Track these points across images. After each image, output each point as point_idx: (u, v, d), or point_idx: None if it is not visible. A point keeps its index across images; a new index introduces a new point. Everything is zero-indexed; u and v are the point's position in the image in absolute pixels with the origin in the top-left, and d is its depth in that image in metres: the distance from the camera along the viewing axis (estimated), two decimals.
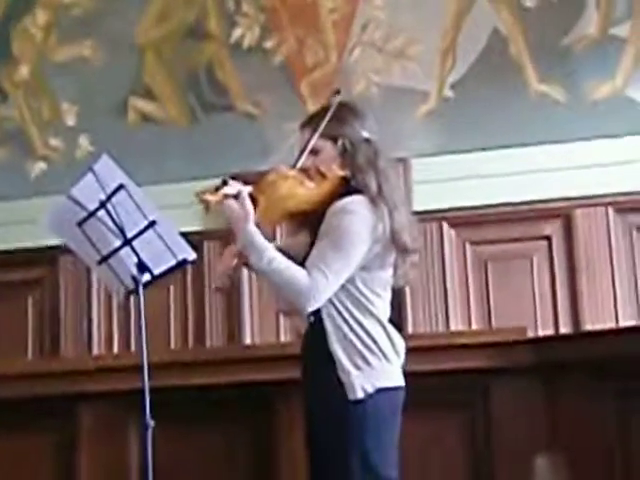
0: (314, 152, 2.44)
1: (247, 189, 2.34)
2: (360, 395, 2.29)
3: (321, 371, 2.34)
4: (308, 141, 2.44)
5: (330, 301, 2.34)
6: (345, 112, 2.47)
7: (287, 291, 2.30)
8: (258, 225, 2.33)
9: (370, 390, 2.30)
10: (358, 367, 2.31)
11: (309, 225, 2.43)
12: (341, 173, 2.40)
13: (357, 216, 2.32)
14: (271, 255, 2.30)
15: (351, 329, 2.34)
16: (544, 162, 4.13)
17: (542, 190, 4.14)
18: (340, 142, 2.42)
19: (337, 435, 2.31)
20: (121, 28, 4.60)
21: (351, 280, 2.34)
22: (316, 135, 2.42)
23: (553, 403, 2.86)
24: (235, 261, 2.37)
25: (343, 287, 2.34)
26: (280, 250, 2.36)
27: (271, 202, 2.35)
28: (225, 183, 2.33)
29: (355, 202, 2.34)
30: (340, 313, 2.34)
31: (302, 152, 2.44)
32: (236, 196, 2.32)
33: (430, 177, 4.14)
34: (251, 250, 2.30)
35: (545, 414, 2.85)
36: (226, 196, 2.32)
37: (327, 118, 2.42)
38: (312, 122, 2.46)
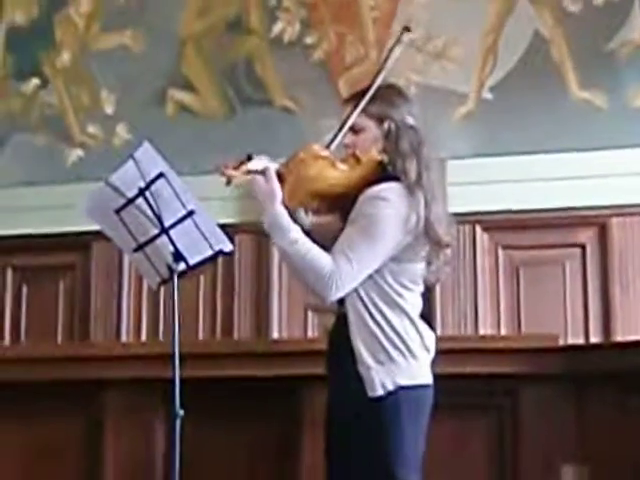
0: (357, 130, 2.34)
1: (274, 166, 2.27)
2: (379, 392, 2.21)
3: (342, 365, 2.28)
4: (348, 117, 2.32)
5: (356, 292, 2.25)
6: (394, 94, 2.38)
7: (308, 275, 2.21)
8: (284, 204, 2.25)
9: (390, 387, 2.22)
10: (380, 362, 2.22)
11: (340, 209, 2.33)
12: (378, 158, 2.30)
13: (390, 204, 2.22)
14: (294, 237, 2.21)
15: (375, 322, 2.25)
16: (582, 169, 4.09)
17: (578, 197, 4.10)
18: (386, 124, 2.32)
19: (355, 434, 2.24)
20: (162, 19, 4.61)
21: (379, 271, 2.25)
22: (357, 111, 2.30)
23: (582, 412, 2.83)
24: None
25: (370, 278, 2.25)
26: (308, 232, 2.27)
27: (298, 182, 2.25)
28: (250, 158, 2.25)
29: (390, 189, 2.24)
30: (365, 305, 2.25)
31: (341, 128, 2.32)
32: (263, 172, 2.24)
33: (465, 179, 4.10)
34: (274, 229, 2.23)
35: (573, 423, 2.83)
36: (250, 172, 2.24)
37: (373, 89, 2.27)
38: (356, 98, 2.35)
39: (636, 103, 4.14)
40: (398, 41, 2.35)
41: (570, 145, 4.13)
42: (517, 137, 4.18)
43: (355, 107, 2.33)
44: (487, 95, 4.29)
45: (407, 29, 2.39)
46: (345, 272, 2.20)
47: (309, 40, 4.48)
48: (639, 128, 4.09)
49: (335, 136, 2.34)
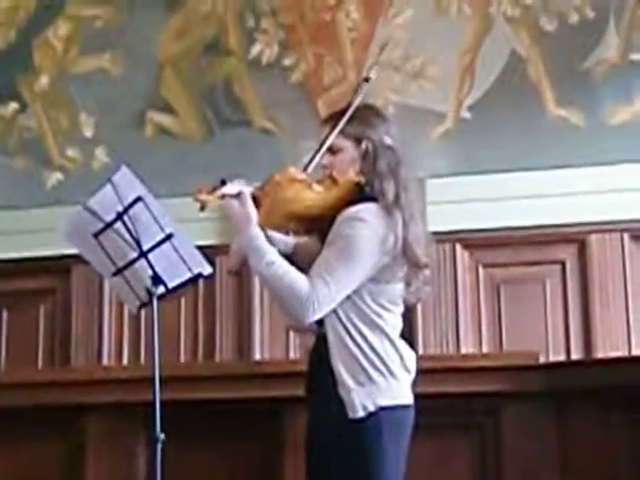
0: (334, 151, 2.34)
1: (249, 189, 2.26)
2: (360, 413, 2.20)
3: (322, 386, 2.26)
4: (325, 139, 2.33)
5: (335, 313, 2.24)
6: (371, 115, 2.38)
7: (285, 298, 2.21)
8: (261, 227, 2.25)
9: (371, 408, 2.20)
10: (360, 383, 2.21)
11: (318, 231, 2.33)
12: (355, 179, 2.30)
13: (367, 224, 2.22)
14: (271, 259, 2.21)
15: (355, 343, 2.24)
16: (560, 186, 4.12)
17: (557, 214, 4.12)
18: (364, 144, 2.32)
19: (336, 456, 2.22)
20: (141, 42, 4.62)
21: (358, 292, 2.25)
22: (333, 134, 2.31)
23: (563, 429, 2.84)
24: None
25: (349, 299, 2.24)
26: (286, 255, 2.27)
27: (275, 204, 2.26)
28: (224, 183, 2.24)
29: (367, 210, 2.24)
30: (344, 326, 2.25)
31: (318, 149, 2.33)
32: (237, 195, 2.24)
33: (445, 198, 4.13)
34: (251, 252, 2.22)
35: (555, 440, 2.84)
36: (225, 196, 2.23)
37: (350, 111, 2.28)
38: (334, 119, 2.36)
39: (612, 121, 4.18)
40: (359, 92, 2.36)
41: (548, 163, 4.16)
42: (495, 155, 4.21)
43: (332, 129, 2.34)
44: (465, 114, 4.32)
45: (366, 80, 2.39)
46: (322, 294, 2.20)
47: (287, 61, 4.50)
48: (616, 145, 4.13)
49: (313, 157, 2.34)
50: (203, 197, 2.24)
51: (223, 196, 2.25)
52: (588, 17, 4.27)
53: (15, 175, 4.64)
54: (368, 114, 2.39)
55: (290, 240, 2.42)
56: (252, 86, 4.52)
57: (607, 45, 4.23)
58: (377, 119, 2.39)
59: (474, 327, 4.15)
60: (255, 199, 2.27)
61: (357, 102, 2.37)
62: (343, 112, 2.37)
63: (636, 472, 2.76)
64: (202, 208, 2.25)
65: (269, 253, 2.23)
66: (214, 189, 2.25)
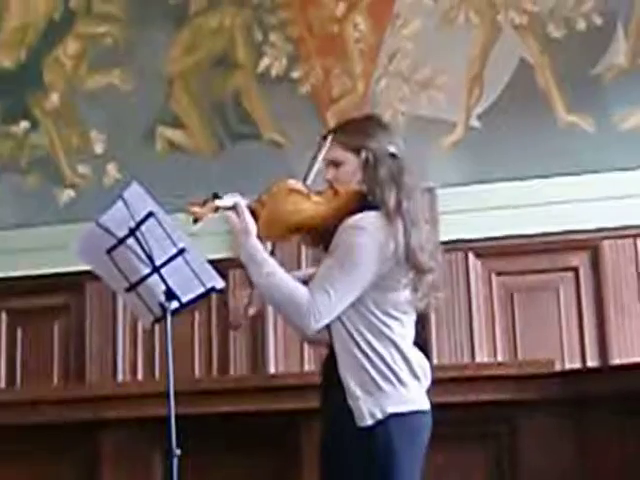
0: (337, 164, 2.36)
1: (245, 201, 2.26)
2: (369, 421, 2.19)
3: (332, 397, 2.26)
4: (317, 153, 2.37)
5: (341, 323, 2.24)
6: (370, 125, 2.40)
7: (286, 308, 2.21)
8: (260, 239, 2.25)
9: (379, 416, 2.19)
10: (368, 392, 2.21)
11: (323, 242, 2.33)
12: (355, 188, 2.31)
13: (366, 232, 2.22)
14: (270, 270, 2.21)
15: (362, 352, 2.23)
16: (572, 193, 4.11)
17: (569, 221, 4.11)
18: (363, 154, 2.33)
19: (348, 465, 2.22)
20: (150, 58, 4.65)
21: (362, 300, 2.24)
22: (323, 151, 2.35)
23: (581, 436, 2.82)
24: (246, 300, 2.33)
25: (354, 308, 2.24)
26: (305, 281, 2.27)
27: (273, 216, 2.26)
28: (216, 196, 2.25)
29: (366, 218, 2.25)
30: (351, 335, 2.24)
31: (312, 165, 2.36)
32: (233, 208, 2.24)
33: (456, 207, 4.12)
34: (250, 264, 2.22)
35: (572, 448, 2.82)
36: (217, 209, 2.23)
37: (319, 158, 2.34)
38: (333, 135, 2.38)
39: (623, 126, 4.17)
40: (320, 149, 2.38)
41: (559, 169, 4.15)
42: (506, 163, 4.21)
43: (318, 152, 2.37)
44: (475, 123, 4.32)
45: (324, 137, 2.40)
46: (322, 303, 2.20)
47: (296, 74, 4.52)
48: (627, 151, 4.12)
49: (308, 172, 2.36)
50: (194, 209, 2.25)
51: (217, 209, 2.25)
52: (596, 23, 4.26)
53: (27, 193, 4.67)
54: (366, 124, 2.41)
55: (310, 270, 2.42)
56: (261, 99, 4.53)
57: (616, 51, 4.23)
58: (376, 128, 2.40)
59: (488, 336, 4.14)
60: (253, 211, 2.28)
61: (321, 156, 2.38)
62: (341, 127, 2.41)
63: None
64: (195, 221, 2.26)
65: (268, 264, 2.24)
66: (204, 202, 2.26)
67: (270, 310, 4.29)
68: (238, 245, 2.25)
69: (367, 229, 2.23)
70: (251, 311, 2.38)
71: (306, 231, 2.32)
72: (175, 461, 2.40)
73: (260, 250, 2.24)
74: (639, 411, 2.76)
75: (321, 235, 2.32)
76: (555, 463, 2.81)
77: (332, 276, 2.21)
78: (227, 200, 2.26)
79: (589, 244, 4.12)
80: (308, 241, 2.40)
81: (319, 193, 2.34)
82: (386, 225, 2.25)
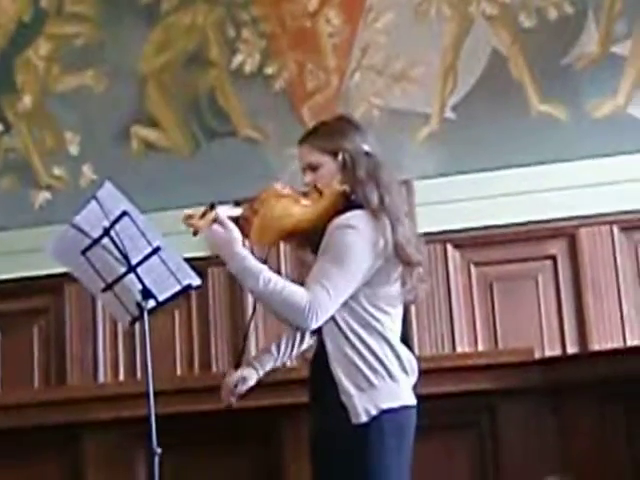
0: (314, 168, 2.39)
1: (239, 210, 2.30)
2: (364, 418, 2.23)
3: (323, 393, 2.29)
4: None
5: (333, 319, 2.27)
6: (343, 126, 2.43)
7: (287, 311, 2.23)
8: (251, 248, 2.28)
9: (374, 412, 2.24)
10: (361, 389, 2.25)
11: (310, 244, 2.37)
12: (340, 188, 2.35)
13: (357, 231, 2.26)
14: (267, 277, 2.23)
15: (353, 348, 2.27)
16: (547, 182, 4.13)
17: (546, 210, 4.13)
18: (340, 156, 2.37)
19: (341, 461, 2.25)
20: (122, 57, 4.63)
21: (354, 297, 2.28)
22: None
23: (561, 423, 2.84)
24: (236, 382, 2.49)
25: (346, 304, 2.28)
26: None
27: (265, 222, 2.29)
28: (213, 207, 2.27)
29: (355, 217, 2.29)
30: (342, 331, 2.28)
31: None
32: (215, 220, 2.26)
33: (433, 199, 4.13)
34: (245, 275, 2.24)
35: (554, 435, 2.84)
36: (216, 220, 2.25)
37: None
38: (308, 139, 2.43)
39: (596, 114, 4.19)
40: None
41: (534, 159, 4.17)
42: (482, 154, 4.22)
43: (310, 148, 2.41)
44: (449, 114, 4.33)
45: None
46: (322, 301, 2.23)
47: (270, 70, 4.51)
48: (601, 139, 4.14)
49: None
50: (194, 222, 2.26)
51: (215, 220, 2.27)
52: (567, 12, 4.28)
53: (2, 196, 4.64)
54: (339, 126, 2.45)
55: None
56: (236, 96, 4.53)
57: (587, 39, 4.25)
58: (349, 128, 2.44)
59: (469, 326, 4.16)
60: (246, 219, 2.31)
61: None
62: (316, 130, 2.45)
63: (636, 463, 2.76)
64: (195, 233, 2.29)
65: (264, 271, 2.26)
66: (204, 214, 2.27)
67: (249, 306, 4.30)
68: (226, 256, 2.26)
69: (357, 227, 2.27)
70: (241, 389, 2.54)
71: (296, 234, 2.35)
72: (156, 459, 2.39)
73: (250, 257, 2.26)
74: (618, 397, 2.78)
75: (308, 237, 2.36)
76: (537, 449, 2.83)
77: (329, 274, 2.24)
78: (228, 210, 2.29)
79: (566, 232, 4.15)
80: (294, 244, 2.46)
81: (305, 195, 2.38)
82: (374, 222, 2.29)
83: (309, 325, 2.24)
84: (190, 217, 2.28)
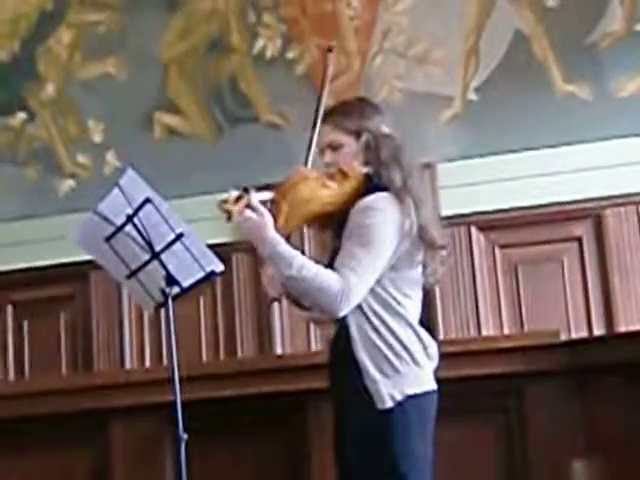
0: (335, 148, 2.38)
1: (269, 194, 2.29)
2: (389, 404, 2.23)
3: (347, 379, 2.29)
4: (311, 138, 2.39)
5: (357, 304, 2.26)
6: (365, 107, 2.42)
7: (319, 296, 2.22)
8: (280, 231, 2.26)
9: (399, 398, 2.24)
10: (386, 375, 2.25)
11: (334, 226, 2.36)
12: (363, 170, 2.34)
13: (383, 213, 2.25)
14: (300, 262, 2.22)
15: (379, 334, 2.27)
16: (572, 162, 4.10)
17: (571, 191, 4.10)
18: (364, 136, 2.35)
19: (366, 446, 2.25)
20: (144, 44, 4.63)
21: (379, 281, 2.27)
22: (315, 133, 2.38)
23: (589, 406, 2.82)
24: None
25: (371, 289, 2.27)
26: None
27: (294, 206, 2.28)
28: (247, 191, 2.25)
29: (380, 199, 2.28)
30: (367, 317, 2.27)
31: (308, 149, 2.39)
32: (248, 205, 2.24)
33: (457, 181, 4.12)
34: (278, 259, 2.23)
35: (581, 418, 2.82)
36: (249, 205, 2.24)
37: (322, 105, 2.37)
38: (328, 118, 2.41)
39: (621, 93, 4.15)
40: (327, 63, 2.37)
41: (558, 140, 4.14)
42: (505, 135, 4.19)
43: (313, 127, 2.40)
44: (472, 96, 4.30)
45: (330, 49, 2.41)
46: (354, 285, 2.22)
47: (291, 54, 4.50)
48: (626, 118, 4.10)
49: (307, 155, 2.39)
50: (229, 207, 2.24)
51: (248, 205, 2.25)
52: None
53: (27, 185, 4.67)
54: (362, 106, 2.43)
55: None
56: (257, 81, 4.52)
57: (612, 17, 4.20)
58: (371, 110, 2.43)
59: (494, 309, 4.14)
60: (276, 203, 2.29)
61: (330, 73, 2.45)
62: (336, 109, 2.42)
63: None
64: (229, 218, 2.25)
65: (296, 256, 2.25)
66: (238, 198, 2.24)
67: None
68: (259, 240, 2.24)
69: (383, 209, 2.26)
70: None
71: (323, 217, 2.35)
72: (183, 445, 2.40)
73: (284, 243, 2.25)
74: None
75: (334, 220, 2.34)
76: (564, 433, 2.81)
77: (357, 257, 2.23)
78: (263, 194, 2.27)
79: (591, 213, 4.12)
80: (317, 226, 2.44)
81: (329, 177, 2.36)
82: (399, 204, 2.28)
83: (341, 309, 2.23)
84: (224, 202, 2.25)
